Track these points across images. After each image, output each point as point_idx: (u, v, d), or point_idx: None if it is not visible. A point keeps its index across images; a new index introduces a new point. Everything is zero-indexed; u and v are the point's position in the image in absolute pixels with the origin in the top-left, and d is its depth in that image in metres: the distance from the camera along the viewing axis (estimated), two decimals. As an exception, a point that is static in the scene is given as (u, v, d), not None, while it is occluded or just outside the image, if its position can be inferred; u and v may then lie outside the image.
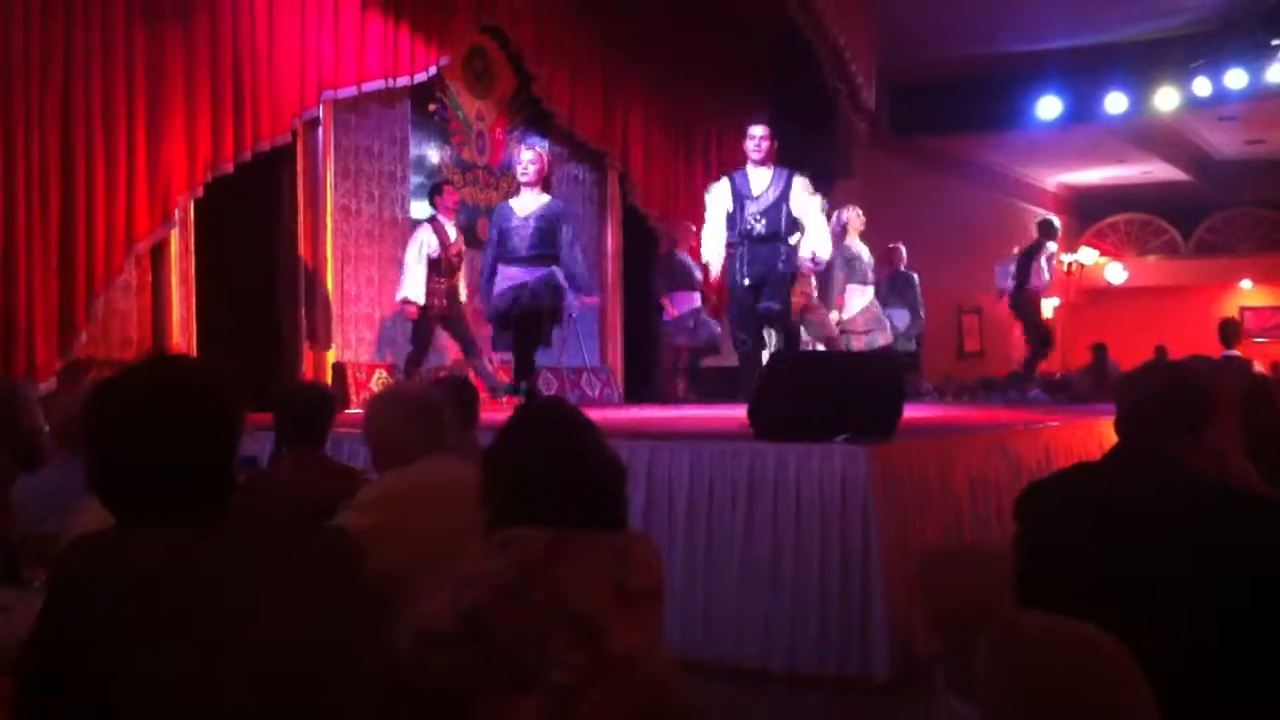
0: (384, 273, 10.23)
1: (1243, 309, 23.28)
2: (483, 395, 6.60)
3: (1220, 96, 14.90)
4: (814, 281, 10.27)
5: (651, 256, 12.78)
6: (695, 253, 11.54)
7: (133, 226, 7.99)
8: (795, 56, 12.98)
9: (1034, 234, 12.35)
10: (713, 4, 12.63)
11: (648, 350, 12.24)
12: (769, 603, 5.37)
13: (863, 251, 11.00)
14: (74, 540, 1.90)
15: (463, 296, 9.36)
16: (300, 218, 9.45)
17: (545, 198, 7.90)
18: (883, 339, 10.96)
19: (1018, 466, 6.68)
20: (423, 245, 9.09)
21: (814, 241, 7.65)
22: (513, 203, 8.10)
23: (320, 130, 9.50)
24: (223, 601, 1.82)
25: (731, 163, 8.22)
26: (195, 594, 1.81)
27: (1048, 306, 21.18)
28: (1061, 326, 22.75)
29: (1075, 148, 18.62)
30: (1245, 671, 2.40)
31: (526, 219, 7.77)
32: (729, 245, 7.68)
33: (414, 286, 9.01)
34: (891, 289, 11.84)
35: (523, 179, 7.96)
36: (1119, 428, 2.80)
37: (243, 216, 9.12)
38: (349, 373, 9.60)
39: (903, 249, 12.15)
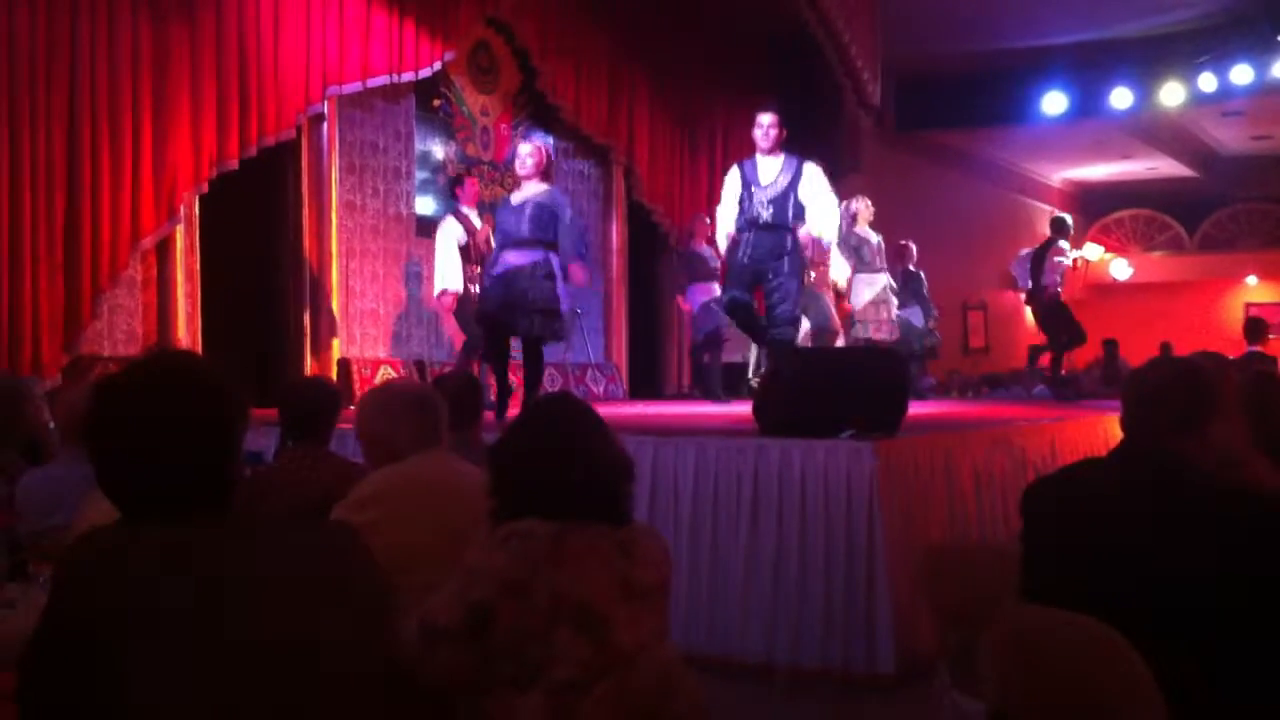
0: (388, 268, 10.24)
1: (1248, 305, 23.24)
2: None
3: (1226, 92, 14.87)
4: (811, 275, 10.22)
5: (657, 252, 12.77)
6: (712, 243, 11.53)
7: (138, 222, 8.01)
8: (801, 52, 12.99)
9: (1041, 230, 12.35)
10: (718, -1, 12.64)
11: (653, 346, 12.24)
12: (773, 598, 5.37)
13: (870, 236, 10.93)
14: (78, 537, 1.90)
15: None
16: (305, 213, 9.46)
17: (543, 186, 7.85)
18: (886, 332, 10.91)
19: (1023, 463, 6.68)
20: (450, 236, 9.08)
21: (819, 223, 7.61)
22: (512, 195, 8.10)
23: (325, 126, 9.50)
24: (224, 599, 1.82)
25: (737, 158, 8.19)
26: (196, 592, 1.81)
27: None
28: (1066, 322, 22.72)
29: (1081, 143, 18.60)
30: (1245, 669, 2.40)
31: (521, 205, 7.69)
32: (736, 231, 7.67)
33: (451, 276, 8.99)
34: (904, 287, 11.82)
35: (521, 172, 7.93)
36: (1123, 424, 2.80)
37: (248, 212, 9.14)
38: (354, 368, 9.61)
39: (913, 247, 12.13)
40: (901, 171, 16.29)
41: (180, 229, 8.36)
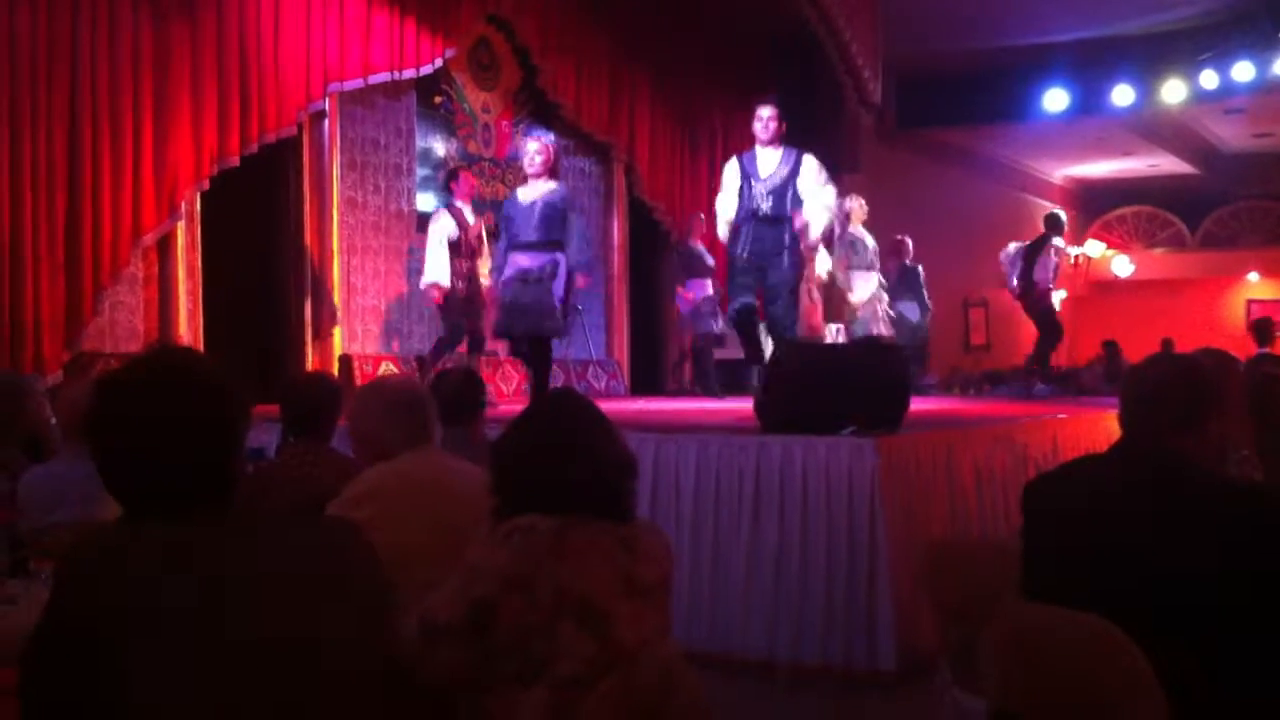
0: (390, 265, 10.25)
1: (1249, 302, 23.24)
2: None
3: (1227, 89, 14.86)
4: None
5: (657, 249, 12.78)
6: (707, 241, 11.59)
7: (139, 220, 8.01)
8: (801, 49, 12.99)
9: (1040, 228, 12.24)
10: (719, -4, 12.63)
11: (654, 342, 12.24)
12: (775, 595, 5.38)
13: (865, 237, 10.96)
14: (79, 534, 1.90)
15: (483, 280, 9.36)
16: (306, 210, 9.46)
17: (551, 184, 7.91)
18: (883, 328, 10.93)
19: (1024, 459, 6.68)
20: (442, 230, 9.09)
21: (811, 216, 7.60)
22: (519, 191, 8.11)
23: (326, 122, 9.50)
24: (225, 597, 1.82)
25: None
26: (197, 590, 1.81)
27: (1055, 300, 21.11)
28: (1068, 319, 22.69)
29: (1082, 140, 18.59)
30: (1246, 665, 2.40)
31: (531, 205, 7.78)
32: (736, 222, 7.67)
33: (438, 270, 8.99)
34: (900, 282, 11.82)
35: (530, 170, 7.97)
36: (1122, 421, 2.80)
37: (249, 209, 9.14)
38: (355, 365, 9.61)
39: (909, 242, 12.13)
40: (902, 169, 16.29)
41: (181, 226, 8.36)
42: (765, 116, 7.68)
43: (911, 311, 11.76)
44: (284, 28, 8.93)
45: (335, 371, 9.28)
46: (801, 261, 7.94)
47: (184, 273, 8.42)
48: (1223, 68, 14.52)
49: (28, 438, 4.76)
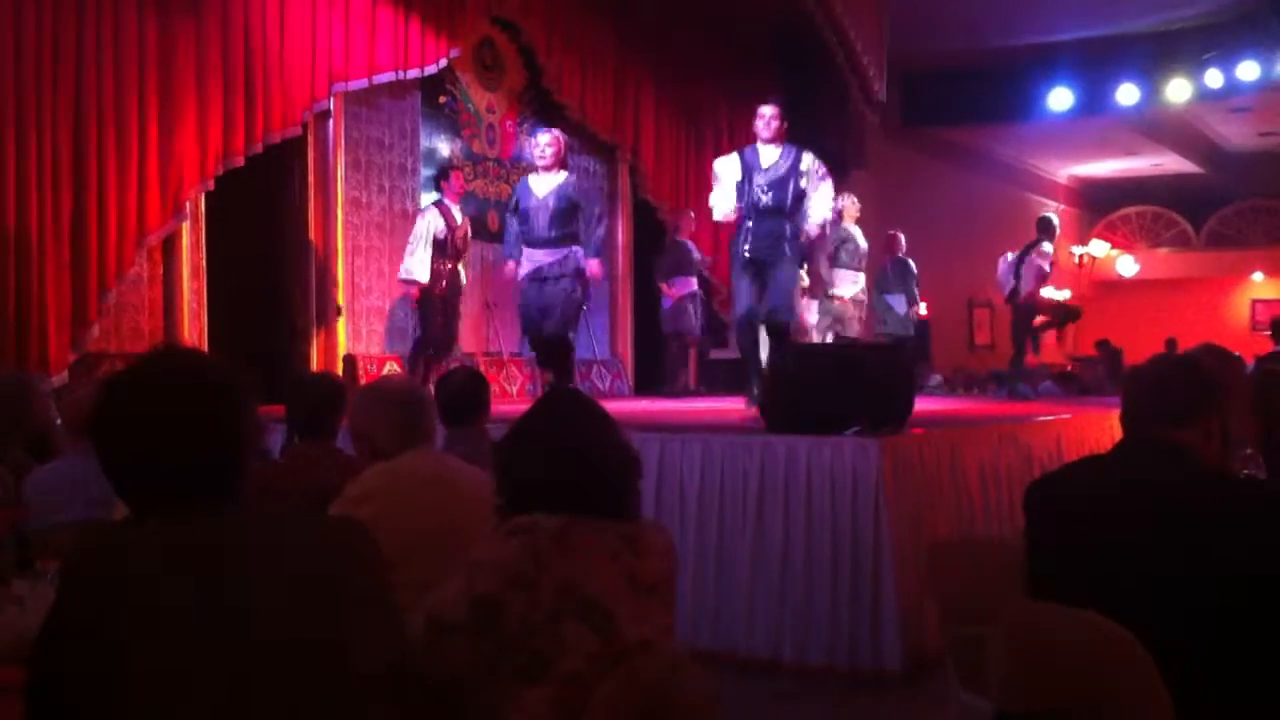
0: (394, 265, 10.24)
1: (1254, 301, 23.24)
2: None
3: (1232, 88, 14.86)
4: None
5: (662, 249, 12.78)
6: (695, 238, 11.66)
7: (144, 220, 8.01)
8: (806, 48, 12.98)
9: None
10: (723, -5, 12.63)
11: (658, 342, 12.25)
12: (780, 595, 5.38)
13: (856, 235, 10.96)
14: (81, 533, 1.90)
15: (463, 280, 9.37)
16: (311, 210, 9.47)
17: (562, 176, 7.97)
18: (864, 330, 10.99)
19: (1029, 459, 6.67)
20: (430, 226, 9.10)
21: (810, 206, 7.61)
22: (531, 180, 8.14)
23: (331, 122, 9.51)
24: (225, 598, 1.82)
25: (742, 155, 8.18)
26: (199, 590, 1.81)
27: (1059, 299, 21.09)
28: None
29: (1086, 139, 18.58)
30: (1247, 663, 2.40)
31: (545, 199, 7.86)
32: (737, 218, 7.67)
33: (419, 266, 8.99)
34: (892, 274, 11.81)
35: (541, 163, 8.01)
36: (1123, 419, 2.81)
37: (254, 209, 9.15)
38: (359, 364, 9.62)
39: (901, 237, 12.08)
40: (907, 168, 16.29)
41: (186, 226, 8.38)
42: (767, 115, 7.70)
43: (899, 304, 11.74)
44: (289, 27, 8.93)
45: (339, 371, 9.29)
46: (801, 255, 7.95)
47: (188, 273, 8.44)
48: (1228, 66, 14.52)
49: (33, 437, 4.77)
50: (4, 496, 3.79)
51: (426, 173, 10.68)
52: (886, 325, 11.71)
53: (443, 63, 10.31)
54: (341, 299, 9.57)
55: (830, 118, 13.62)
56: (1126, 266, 23.40)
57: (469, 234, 9.35)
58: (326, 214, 9.54)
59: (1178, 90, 15.06)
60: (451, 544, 2.71)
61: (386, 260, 10.19)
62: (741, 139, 8.11)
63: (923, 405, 6.71)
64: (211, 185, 8.44)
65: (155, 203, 8.06)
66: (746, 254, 7.50)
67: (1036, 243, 11.30)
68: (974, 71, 15.44)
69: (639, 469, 2.60)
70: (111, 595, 1.78)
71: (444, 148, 10.97)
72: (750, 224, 7.52)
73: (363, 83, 9.59)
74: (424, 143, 10.71)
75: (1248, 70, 14.41)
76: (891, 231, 12.09)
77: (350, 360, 9.61)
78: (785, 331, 7.61)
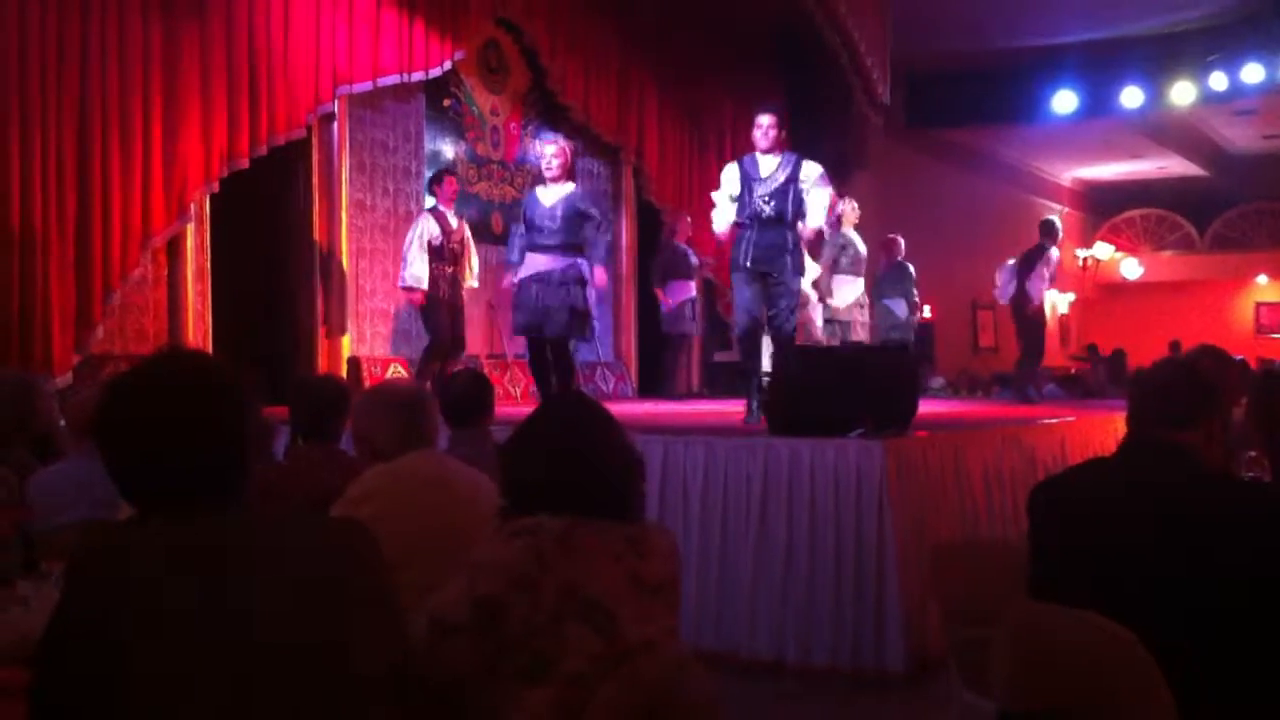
0: (398, 267, 10.25)
1: (1258, 304, 23.22)
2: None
3: (1237, 91, 14.86)
4: None
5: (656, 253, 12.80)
6: (692, 242, 11.65)
7: (149, 221, 8.02)
8: (809, 49, 12.98)
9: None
10: (727, -3, 12.64)
11: (662, 345, 12.26)
12: (783, 596, 5.38)
13: (855, 240, 10.94)
14: (85, 534, 1.90)
15: (465, 283, 9.36)
16: (315, 212, 9.48)
17: (569, 187, 7.99)
18: (865, 334, 10.96)
19: (1033, 461, 6.68)
20: (423, 233, 9.09)
21: (808, 209, 7.61)
22: (539, 191, 8.15)
23: (335, 125, 9.53)
24: (226, 599, 1.82)
25: (745, 157, 8.19)
26: (201, 591, 1.81)
27: (1063, 302, 21.07)
28: (1077, 322, 22.73)
29: (1091, 142, 18.58)
30: (1251, 664, 2.40)
31: (553, 209, 7.87)
32: (737, 226, 7.66)
33: (419, 272, 9.00)
34: (891, 279, 11.79)
35: (548, 174, 8.01)
36: (1128, 421, 2.82)
37: (258, 211, 9.16)
38: (364, 367, 9.63)
39: (901, 241, 12.05)
40: (910, 169, 16.29)
41: (191, 227, 8.39)
42: (765, 124, 7.68)
43: (899, 308, 11.71)
44: (293, 30, 8.94)
45: (344, 373, 9.30)
46: (803, 264, 7.95)
47: (193, 274, 8.45)
48: (1232, 69, 14.52)
49: (37, 438, 4.78)
50: (8, 497, 3.80)
51: (431, 175, 10.68)
52: (883, 328, 11.67)
53: (447, 65, 10.32)
54: (345, 302, 9.58)
55: (833, 119, 13.62)
56: (1130, 269, 23.39)
57: (466, 237, 9.33)
58: (331, 216, 9.55)
59: (1182, 93, 15.05)
60: (452, 545, 2.72)
61: (391, 262, 10.19)
62: (745, 140, 8.09)
63: (926, 408, 6.71)
64: (216, 187, 8.45)
65: (160, 204, 8.07)
66: (748, 265, 7.49)
67: (1043, 249, 11.01)
68: (978, 73, 15.44)
69: (643, 471, 2.60)
70: (115, 596, 1.78)
71: (448, 150, 10.98)
72: (752, 234, 7.51)
73: (367, 85, 9.60)
74: (428, 145, 10.72)
75: (1252, 73, 14.41)
76: (890, 235, 12.07)
77: (354, 362, 9.61)
78: (789, 342, 7.61)
